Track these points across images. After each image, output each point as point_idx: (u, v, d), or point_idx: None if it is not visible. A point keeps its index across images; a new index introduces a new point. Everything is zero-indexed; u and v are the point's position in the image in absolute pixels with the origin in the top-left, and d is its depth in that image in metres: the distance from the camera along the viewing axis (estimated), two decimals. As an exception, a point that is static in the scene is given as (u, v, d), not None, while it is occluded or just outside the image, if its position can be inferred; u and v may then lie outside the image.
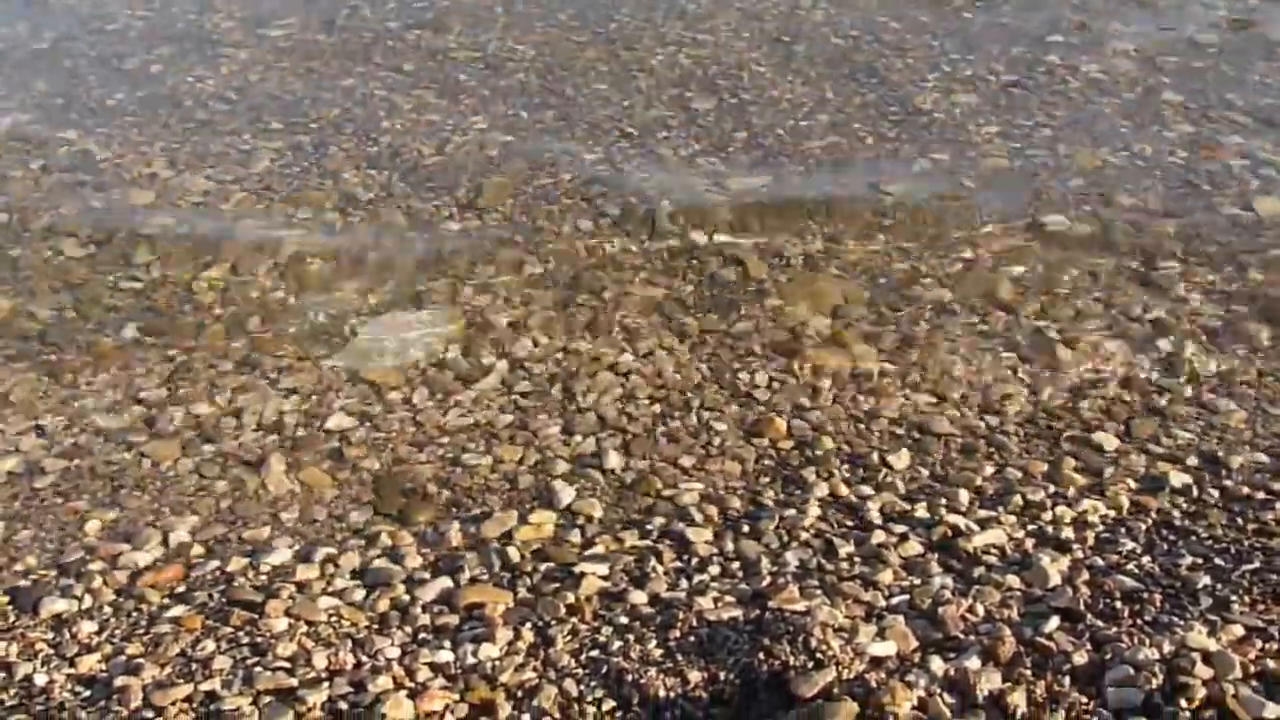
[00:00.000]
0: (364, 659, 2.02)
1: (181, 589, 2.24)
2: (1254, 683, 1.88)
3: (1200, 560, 2.22)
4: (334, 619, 2.13)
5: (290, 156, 4.16)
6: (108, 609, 2.17)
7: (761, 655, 1.95)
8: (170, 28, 5.55)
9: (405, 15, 5.71)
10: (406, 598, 2.19)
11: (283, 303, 3.29)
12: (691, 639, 2.04)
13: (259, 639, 2.07)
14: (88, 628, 2.11)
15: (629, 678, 1.94)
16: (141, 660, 2.01)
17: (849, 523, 2.41)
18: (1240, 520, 2.37)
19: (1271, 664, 1.92)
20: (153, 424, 2.77)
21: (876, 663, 1.96)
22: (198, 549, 2.37)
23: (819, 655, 1.94)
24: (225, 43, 5.35)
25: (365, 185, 3.93)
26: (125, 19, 5.68)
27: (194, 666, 1.99)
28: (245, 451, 2.68)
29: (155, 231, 3.61)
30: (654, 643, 2.03)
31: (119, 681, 1.95)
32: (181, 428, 2.76)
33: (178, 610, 2.16)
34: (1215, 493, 2.48)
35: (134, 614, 2.16)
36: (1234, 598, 2.09)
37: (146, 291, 3.34)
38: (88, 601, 2.19)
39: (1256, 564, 2.20)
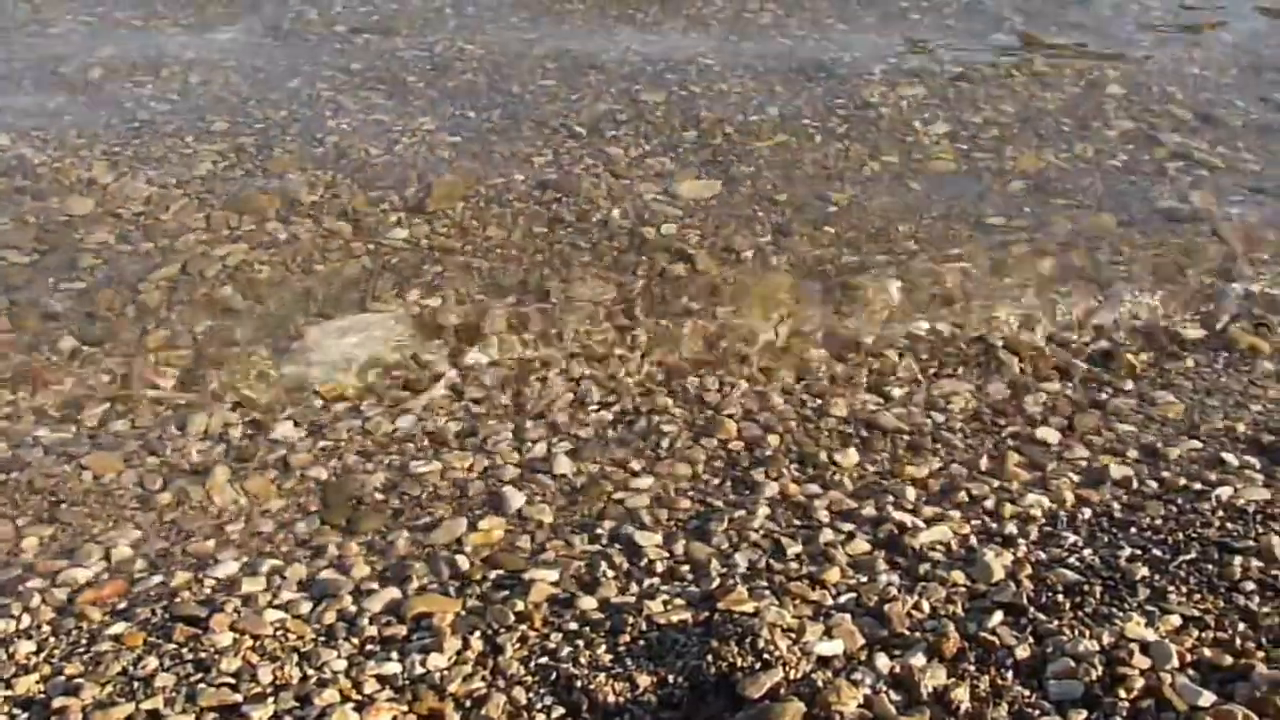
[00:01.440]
0: (310, 672, 2.00)
1: (123, 605, 2.21)
2: (1190, 671, 1.92)
3: (1139, 552, 2.26)
4: (280, 632, 2.11)
5: (234, 158, 4.11)
6: (46, 628, 2.13)
7: (710, 658, 1.96)
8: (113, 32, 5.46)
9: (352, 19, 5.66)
10: (354, 609, 2.17)
11: (228, 309, 3.24)
12: (641, 643, 2.04)
13: (203, 654, 2.04)
14: (25, 648, 2.07)
15: (578, 684, 1.94)
16: (81, 680, 1.97)
17: (797, 522, 2.43)
18: (1177, 511, 2.42)
19: (1207, 653, 1.96)
20: (94, 435, 2.72)
21: (824, 662, 1.97)
22: (140, 564, 2.33)
23: (766, 656, 1.95)
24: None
25: (310, 188, 3.88)
26: (66, 24, 5.57)
27: (135, 685, 1.96)
28: (189, 462, 2.64)
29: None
30: (603, 648, 2.03)
31: (58, 703, 1.91)
32: (124, 438, 2.71)
33: (119, 627, 2.12)
34: (1154, 484, 2.53)
35: (74, 632, 2.12)
36: (1171, 588, 2.13)
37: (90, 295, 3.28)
38: (26, 621, 2.15)
39: (1193, 554, 2.24)
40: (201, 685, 1.95)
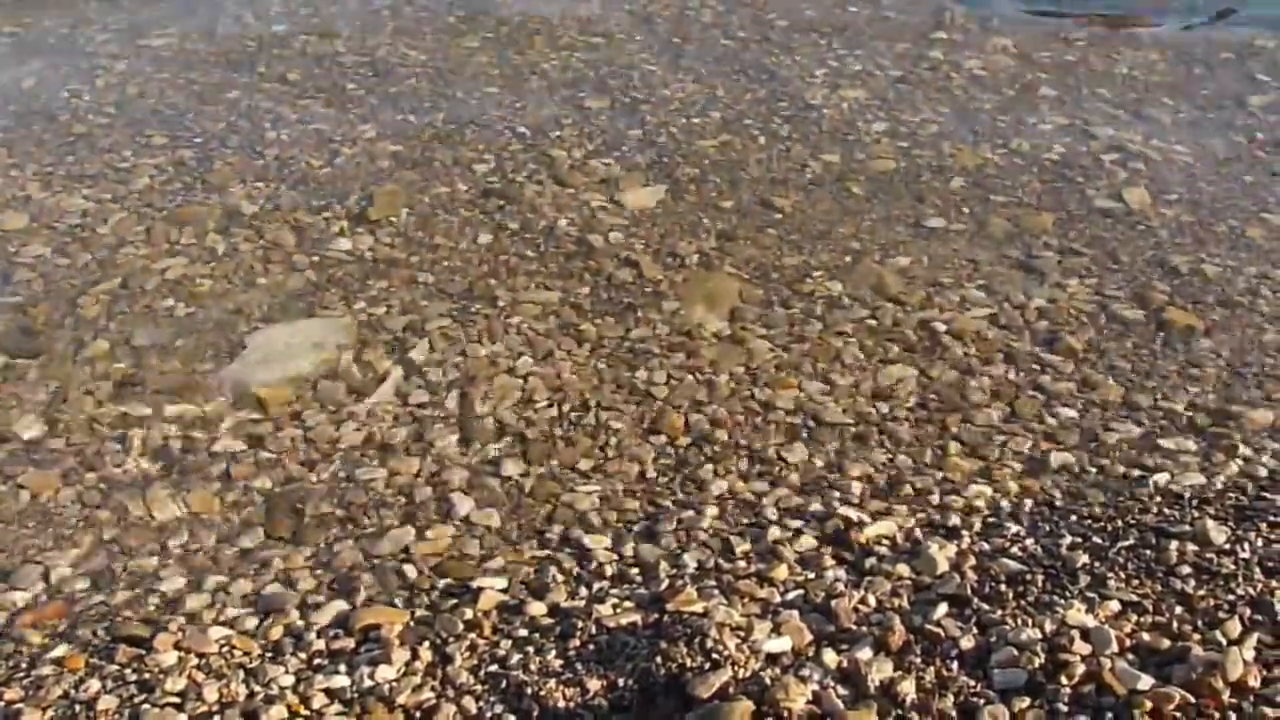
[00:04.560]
0: (257, 689, 1.98)
1: (64, 627, 2.17)
2: (1130, 655, 1.96)
3: (1079, 539, 2.31)
4: (225, 649, 2.08)
5: (173, 171, 4.04)
6: (-16, 654, 2.09)
7: (659, 659, 1.97)
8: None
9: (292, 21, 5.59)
10: (300, 623, 2.15)
11: (169, 316, 3.19)
12: (591, 647, 2.04)
13: (147, 675, 2.01)
14: (-37, 674, 2.03)
15: (529, 690, 1.94)
16: (21, 705, 1.93)
17: (745, 520, 2.44)
18: (1116, 497, 2.47)
19: (1145, 636, 2.00)
20: (30, 452, 2.67)
21: (772, 659, 1.99)
22: (81, 584, 2.29)
23: (715, 656, 1.96)
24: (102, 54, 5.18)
25: (250, 198, 3.83)
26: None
27: (78, 709, 1.93)
28: (129, 477, 2.59)
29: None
30: (553, 653, 2.03)
31: (-3, 729, 1.88)
32: (61, 454, 2.66)
33: (60, 650, 2.09)
34: (1094, 471, 2.58)
35: (13, 657, 2.08)
36: (1110, 574, 2.17)
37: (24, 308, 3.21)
38: (-38, 647, 2.11)
39: (1131, 540, 2.29)
40: (145, 705, 1.93)
